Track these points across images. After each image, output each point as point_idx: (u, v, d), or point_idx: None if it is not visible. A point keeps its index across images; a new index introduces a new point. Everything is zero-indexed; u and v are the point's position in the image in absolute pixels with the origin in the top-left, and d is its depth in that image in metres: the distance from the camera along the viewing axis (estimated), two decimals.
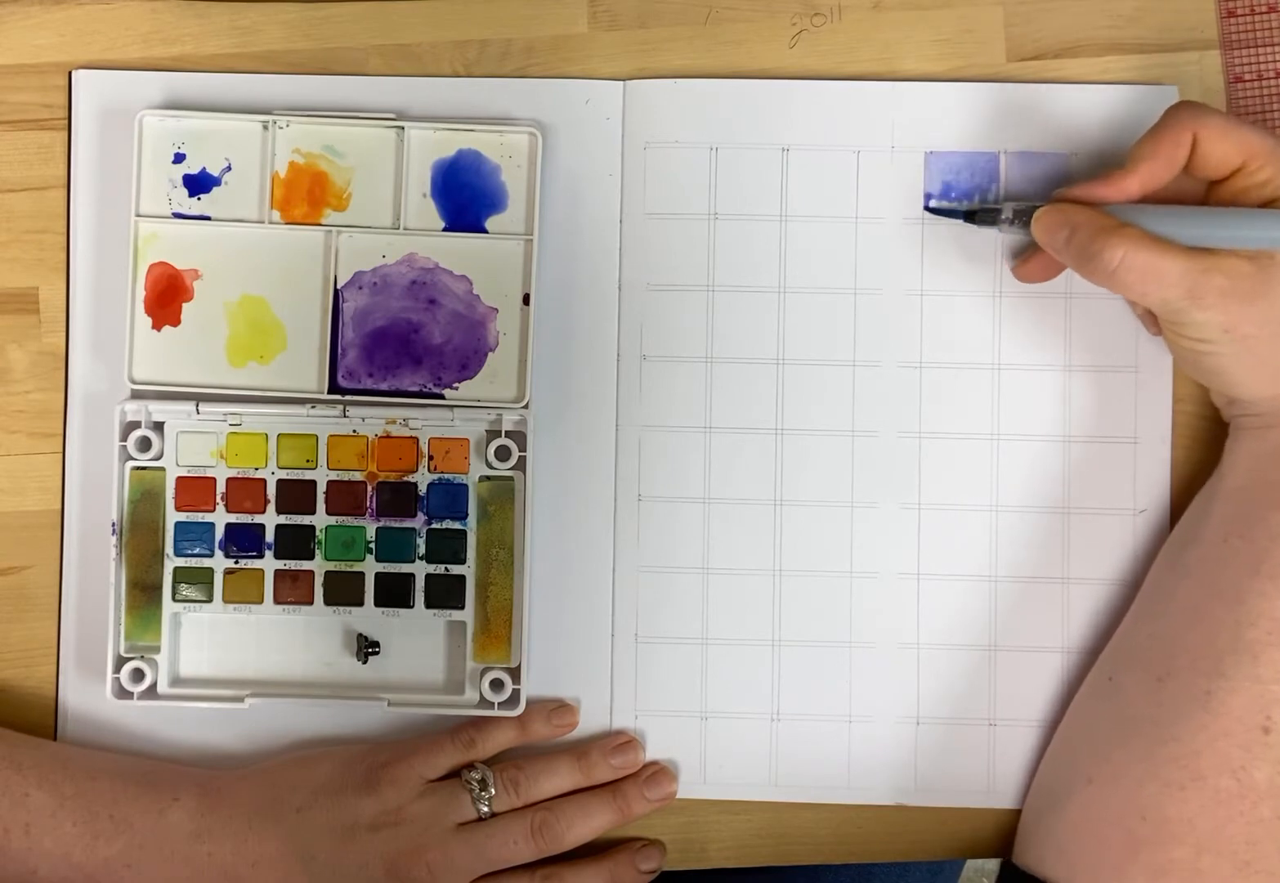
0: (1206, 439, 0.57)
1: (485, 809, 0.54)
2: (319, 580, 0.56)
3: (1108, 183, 0.51)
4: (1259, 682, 0.49)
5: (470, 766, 0.55)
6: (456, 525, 0.56)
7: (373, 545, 0.56)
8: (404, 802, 0.54)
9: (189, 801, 0.54)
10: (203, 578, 0.56)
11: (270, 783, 0.55)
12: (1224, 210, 0.50)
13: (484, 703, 0.56)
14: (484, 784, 0.54)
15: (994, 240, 0.57)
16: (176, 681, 0.57)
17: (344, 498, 0.56)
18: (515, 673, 0.56)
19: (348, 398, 0.56)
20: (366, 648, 0.56)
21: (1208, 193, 0.53)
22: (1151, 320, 0.56)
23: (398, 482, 0.56)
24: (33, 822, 0.53)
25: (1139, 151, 0.51)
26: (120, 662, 0.56)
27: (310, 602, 0.56)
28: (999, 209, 0.55)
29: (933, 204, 0.57)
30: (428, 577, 0.56)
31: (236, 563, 0.56)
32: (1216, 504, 0.54)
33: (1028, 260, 0.56)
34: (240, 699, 0.56)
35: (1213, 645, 0.50)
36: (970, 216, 0.56)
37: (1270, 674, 0.49)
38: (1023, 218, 0.54)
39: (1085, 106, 0.57)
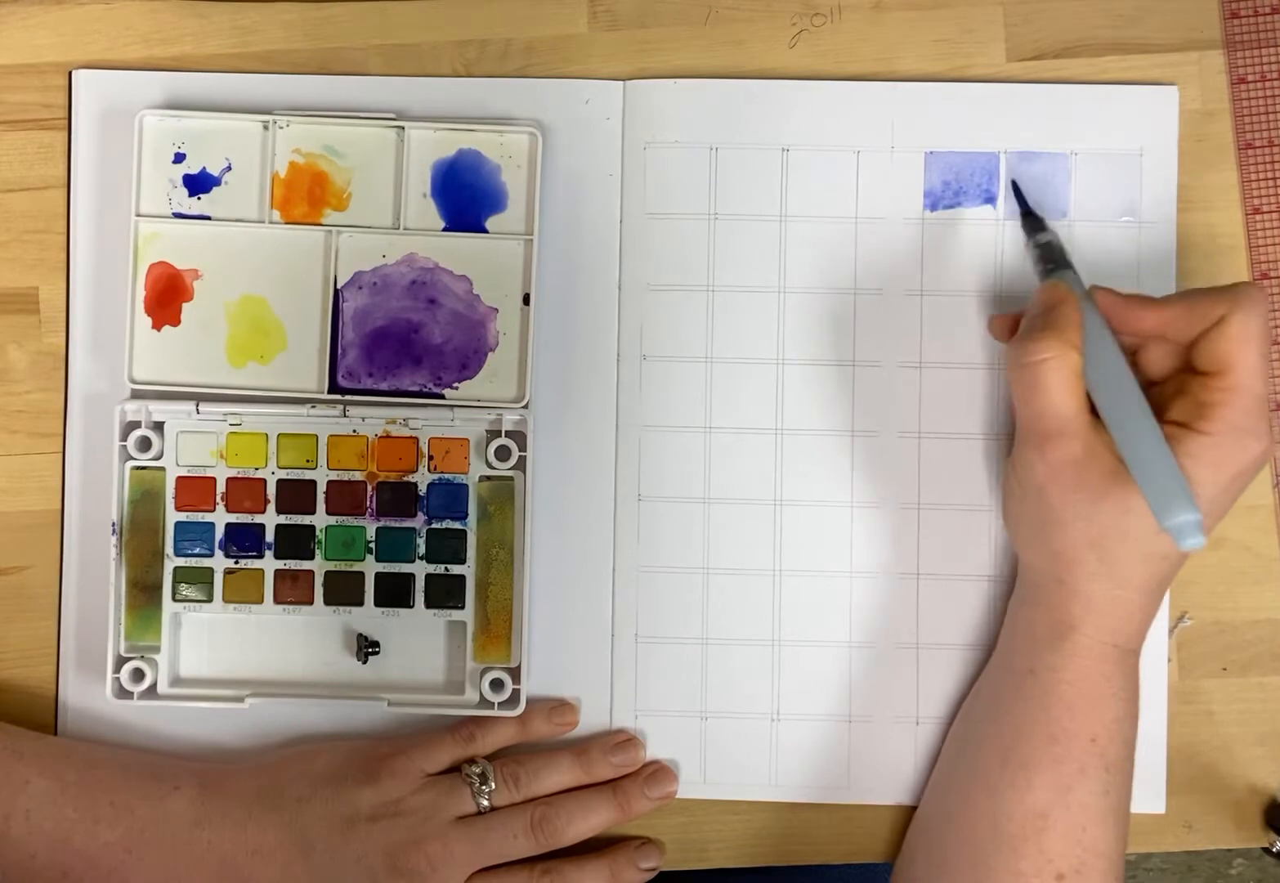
0: None
1: (485, 803, 0.54)
2: (319, 580, 0.56)
3: (1130, 307, 0.50)
4: (1020, 876, 0.50)
5: (471, 760, 0.55)
6: (456, 525, 0.56)
7: (373, 545, 0.56)
8: (404, 794, 0.54)
9: (190, 789, 0.54)
10: (203, 578, 0.56)
11: (271, 774, 0.55)
12: (1157, 436, 0.48)
13: (484, 703, 0.56)
14: (484, 778, 0.54)
15: (994, 241, 0.57)
16: (176, 680, 0.57)
17: (344, 498, 0.56)
18: (515, 673, 0.56)
19: (348, 398, 0.56)
20: (366, 648, 0.56)
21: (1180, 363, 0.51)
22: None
23: (398, 482, 0.56)
24: (33, 808, 0.53)
25: (1182, 299, 0.50)
26: (120, 662, 0.56)
27: (310, 602, 0.56)
28: (1044, 231, 0.55)
29: (1018, 185, 0.57)
30: (428, 577, 0.56)
31: (236, 563, 0.56)
32: (984, 680, 0.55)
33: (1007, 314, 0.55)
34: (240, 699, 0.56)
35: (976, 835, 0.51)
36: (1029, 218, 0.56)
37: (1031, 868, 0.50)
38: (1044, 257, 0.54)
39: (1085, 106, 0.57)
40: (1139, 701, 0.52)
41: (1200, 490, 0.48)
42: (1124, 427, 0.48)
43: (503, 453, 0.56)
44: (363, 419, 0.56)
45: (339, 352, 0.56)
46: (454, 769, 0.55)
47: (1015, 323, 0.54)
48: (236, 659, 0.57)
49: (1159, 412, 0.49)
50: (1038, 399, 0.49)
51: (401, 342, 0.56)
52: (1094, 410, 0.50)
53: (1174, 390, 0.50)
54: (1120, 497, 0.48)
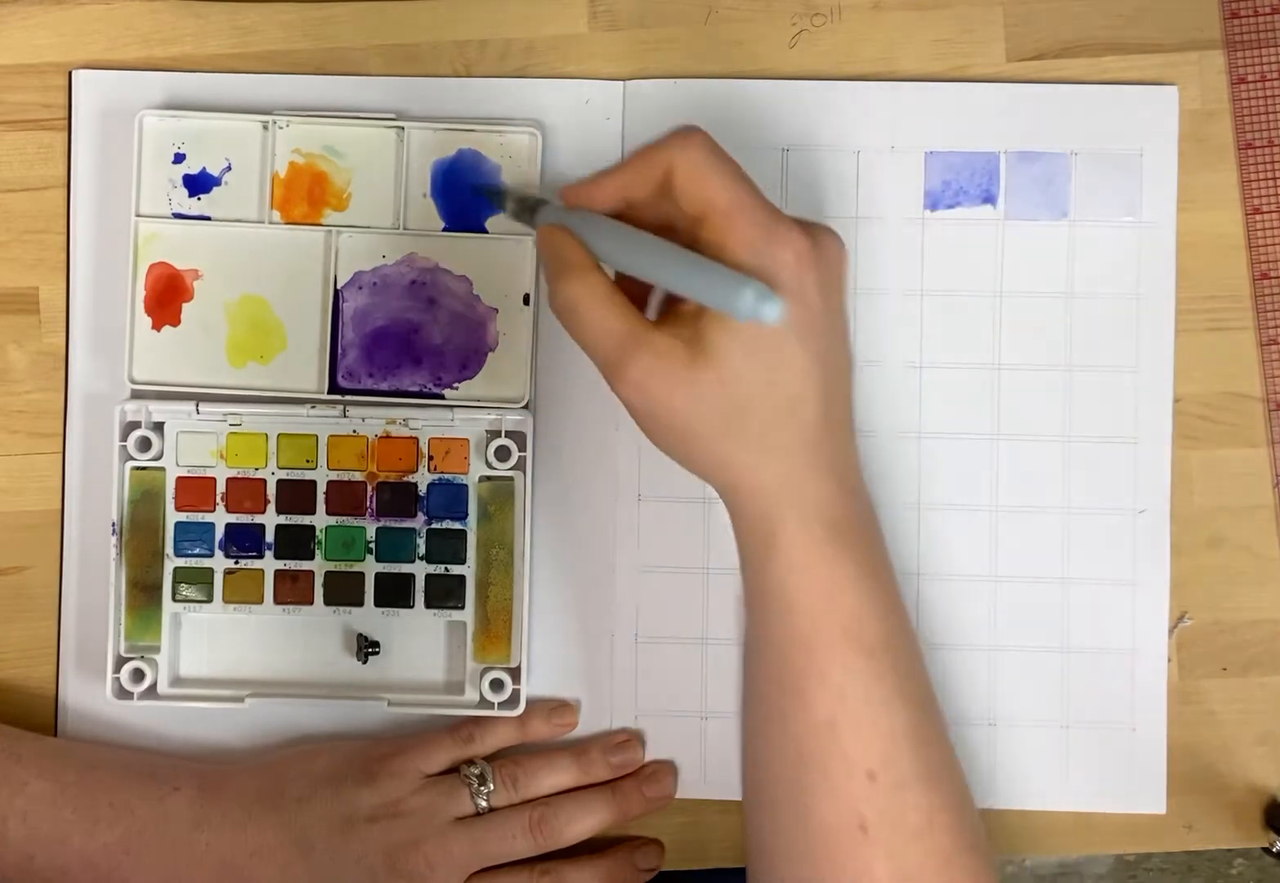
0: (1207, 439, 0.57)
1: (484, 804, 0.54)
2: (319, 580, 0.56)
3: (595, 188, 0.47)
4: (834, 789, 0.46)
5: (470, 761, 0.55)
6: (456, 525, 0.56)
7: (373, 545, 0.56)
8: (403, 795, 0.54)
9: (189, 790, 0.54)
10: (203, 578, 0.56)
11: (270, 774, 0.55)
12: (681, 251, 0.45)
13: (484, 703, 0.56)
14: (483, 779, 0.54)
15: (994, 240, 0.57)
16: (176, 680, 0.57)
17: (344, 498, 0.56)
18: (515, 673, 0.56)
19: (348, 398, 0.56)
20: (366, 648, 0.56)
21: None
22: None
23: (398, 482, 0.56)
24: (31, 809, 0.53)
25: (624, 162, 0.47)
26: (120, 662, 0.56)
27: (310, 602, 0.56)
28: (504, 194, 0.53)
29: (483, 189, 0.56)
30: (428, 577, 0.56)
31: (236, 563, 0.56)
32: (745, 615, 0.50)
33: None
34: (240, 699, 0.56)
35: (783, 765, 0.48)
36: (495, 197, 0.54)
37: (841, 776, 0.46)
38: (526, 217, 0.51)
39: (1085, 106, 0.57)
40: (884, 568, 0.49)
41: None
42: (661, 270, 0.45)
43: (503, 453, 0.56)
44: (363, 419, 0.56)
45: (339, 352, 0.56)
46: (453, 770, 0.55)
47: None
48: (236, 659, 0.57)
49: None
50: (585, 335, 0.46)
51: (401, 342, 0.56)
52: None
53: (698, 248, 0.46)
54: (714, 369, 0.44)
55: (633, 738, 0.57)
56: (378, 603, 0.56)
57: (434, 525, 0.56)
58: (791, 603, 0.47)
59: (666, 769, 0.57)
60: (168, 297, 0.56)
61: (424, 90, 0.57)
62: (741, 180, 0.46)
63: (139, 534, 0.56)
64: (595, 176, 0.48)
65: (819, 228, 0.47)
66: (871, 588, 0.48)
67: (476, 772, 0.55)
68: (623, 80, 0.58)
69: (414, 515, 0.56)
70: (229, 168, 0.57)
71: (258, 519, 0.56)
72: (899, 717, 0.47)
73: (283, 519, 0.56)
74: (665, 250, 0.45)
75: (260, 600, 0.56)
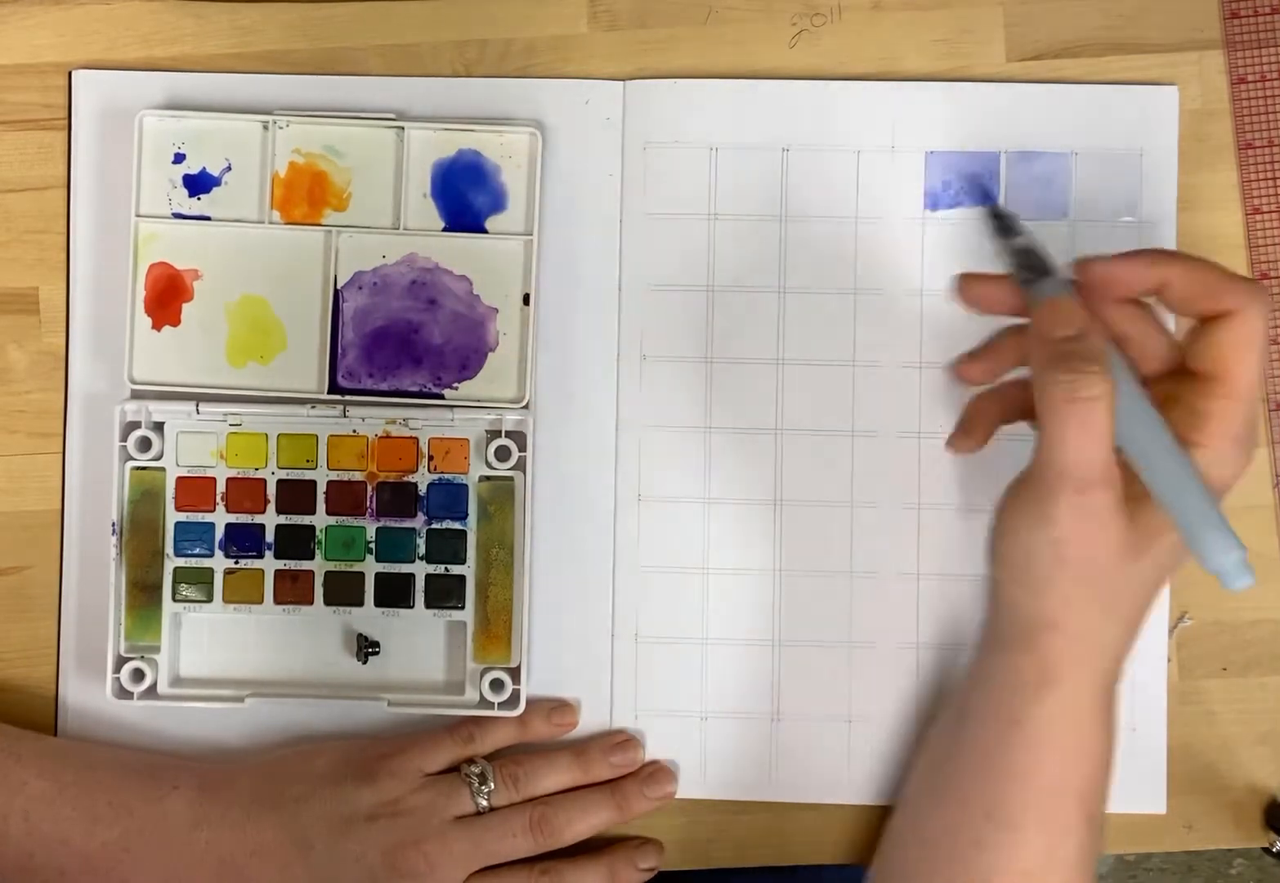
0: None
1: (484, 803, 0.54)
2: (319, 580, 0.56)
3: (1125, 267, 0.46)
4: None
5: (470, 760, 0.55)
6: (456, 525, 0.56)
7: (373, 545, 0.56)
8: (402, 794, 0.54)
9: (188, 790, 0.54)
10: (203, 578, 0.56)
11: (270, 774, 0.55)
12: (1189, 476, 0.45)
13: (484, 703, 0.56)
14: (483, 778, 0.54)
15: None
16: (176, 680, 0.57)
17: (344, 498, 0.56)
18: (515, 673, 0.56)
19: (348, 398, 0.56)
20: (366, 648, 0.56)
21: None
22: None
23: (398, 482, 0.56)
24: (31, 809, 0.53)
25: (1188, 266, 0.46)
26: (120, 662, 0.56)
27: (310, 602, 0.56)
28: (1018, 233, 0.50)
29: (998, 208, 0.52)
30: (428, 577, 0.56)
31: (236, 563, 0.56)
32: (955, 725, 0.51)
33: (980, 356, 0.51)
34: (240, 699, 0.56)
35: None
36: (999, 218, 0.51)
37: None
38: (1022, 263, 0.49)
39: (1085, 106, 0.57)
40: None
41: None
42: (1153, 462, 0.45)
43: (503, 453, 0.56)
44: (363, 419, 0.56)
45: (339, 352, 0.56)
46: (453, 769, 0.55)
47: (994, 358, 0.50)
48: (236, 659, 0.57)
49: None
50: (1086, 442, 0.44)
51: (401, 342, 0.56)
52: None
53: (1163, 396, 0.47)
54: (1148, 550, 0.46)
55: (633, 738, 0.57)
56: (378, 603, 0.56)
57: (434, 525, 0.56)
58: (1051, 745, 0.47)
59: (666, 769, 0.57)
60: (168, 297, 0.56)
61: (424, 90, 0.57)
62: (1264, 371, 0.47)
63: (139, 534, 0.56)
64: (1130, 258, 0.47)
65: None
66: (1111, 753, 0.49)
67: (477, 771, 0.55)
68: (623, 80, 0.58)
69: (414, 515, 0.56)
70: (229, 168, 0.57)
71: (258, 519, 0.56)
72: None
73: (283, 519, 0.56)
74: (1177, 458, 0.45)
75: (260, 600, 0.56)
